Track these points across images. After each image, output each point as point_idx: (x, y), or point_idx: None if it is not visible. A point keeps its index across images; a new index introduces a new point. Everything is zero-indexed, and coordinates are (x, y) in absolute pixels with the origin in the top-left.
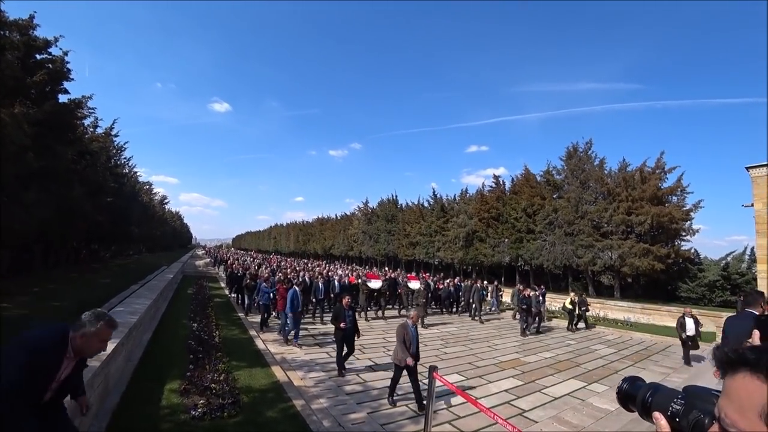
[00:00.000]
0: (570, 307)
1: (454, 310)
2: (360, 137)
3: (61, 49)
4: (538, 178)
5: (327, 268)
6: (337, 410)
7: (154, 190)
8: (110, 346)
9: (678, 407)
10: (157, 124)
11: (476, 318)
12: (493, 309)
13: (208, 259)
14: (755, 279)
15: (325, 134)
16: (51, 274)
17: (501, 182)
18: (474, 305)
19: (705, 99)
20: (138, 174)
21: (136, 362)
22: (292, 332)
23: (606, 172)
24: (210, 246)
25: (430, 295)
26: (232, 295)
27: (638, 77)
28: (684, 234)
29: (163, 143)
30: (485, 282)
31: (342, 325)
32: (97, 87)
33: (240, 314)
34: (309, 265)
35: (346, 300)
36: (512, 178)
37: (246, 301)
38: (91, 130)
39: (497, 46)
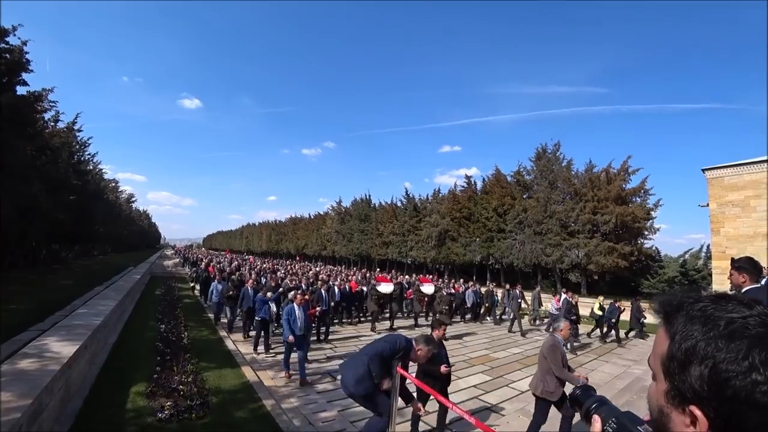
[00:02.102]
0: (599, 313)
1: (469, 317)
2: (334, 136)
3: (19, 38)
4: (509, 179)
5: (323, 271)
6: (308, 409)
7: (121, 188)
8: (71, 349)
9: (610, 430)
10: (123, 120)
11: (515, 330)
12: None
13: (177, 260)
14: (710, 275)
15: (298, 133)
16: (7, 275)
17: (473, 182)
18: (512, 314)
19: (668, 104)
20: (103, 171)
21: (101, 365)
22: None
23: (573, 172)
24: (180, 246)
25: (453, 301)
26: (207, 303)
27: (607, 82)
28: (646, 233)
29: (130, 140)
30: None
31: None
32: (58, 80)
33: (210, 315)
34: (296, 268)
35: (299, 298)
36: (483, 179)
37: (228, 315)
38: (52, 124)
39: (472, 47)
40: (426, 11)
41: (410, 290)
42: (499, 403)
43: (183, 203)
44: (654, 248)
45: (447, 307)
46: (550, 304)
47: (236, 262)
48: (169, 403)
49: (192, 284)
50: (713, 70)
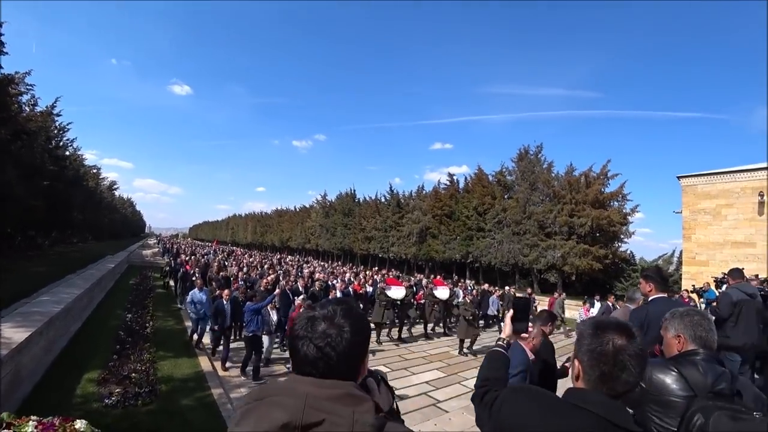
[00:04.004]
0: None
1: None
2: (325, 129)
3: None
4: (491, 178)
5: (318, 270)
6: None
7: (103, 175)
8: (23, 335)
9: None
10: (111, 104)
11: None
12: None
13: (157, 249)
14: (680, 279)
15: (289, 124)
16: None
17: (455, 180)
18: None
19: (656, 111)
20: (83, 157)
21: (58, 352)
22: None
23: (554, 175)
24: (165, 235)
25: (478, 309)
26: (181, 306)
27: (598, 86)
28: (622, 236)
29: (118, 125)
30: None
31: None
32: (42, 61)
33: (180, 306)
34: (285, 262)
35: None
36: (466, 177)
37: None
38: (28, 108)
39: (466, 47)
40: (422, 9)
41: (420, 293)
42: (446, 400)
43: (170, 191)
44: (629, 252)
45: (472, 317)
46: (577, 313)
47: (220, 256)
48: (118, 390)
49: (164, 280)
50: (702, 80)
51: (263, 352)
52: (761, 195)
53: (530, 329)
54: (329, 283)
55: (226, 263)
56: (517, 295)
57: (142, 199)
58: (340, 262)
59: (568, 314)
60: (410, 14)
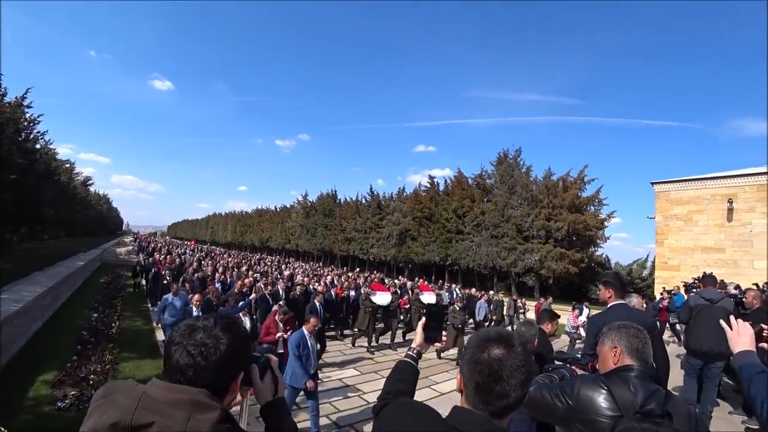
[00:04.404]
0: None
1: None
2: (309, 128)
3: None
4: (470, 181)
5: (298, 271)
6: None
7: (77, 170)
8: None
9: None
10: (89, 98)
11: None
12: None
13: (131, 247)
14: (654, 284)
15: (272, 122)
16: None
17: (435, 183)
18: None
19: (636, 119)
20: (55, 150)
21: (15, 352)
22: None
23: (532, 179)
24: (143, 233)
25: (468, 315)
26: (154, 309)
27: (579, 93)
28: (598, 241)
29: (96, 119)
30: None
31: None
32: (12, 50)
33: (151, 307)
34: (265, 263)
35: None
36: (446, 180)
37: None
38: None
39: (451, 49)
40: (411, 11)
41: (404, 298)
42: None
43: (149, 189)
44: (604, 256)
45: (461, 325)
46: (565, 318)
47: (198, 255)
48: (73, 392)
49: (135, 279)
50: (680, 91)
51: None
52: (730, 202)
53: (444, 337)
54: (310, 287)
55: (203, 263)
56: (466, 296)
57: (120, 195)
58: (321, 264)
59: None
60: (399, 16)
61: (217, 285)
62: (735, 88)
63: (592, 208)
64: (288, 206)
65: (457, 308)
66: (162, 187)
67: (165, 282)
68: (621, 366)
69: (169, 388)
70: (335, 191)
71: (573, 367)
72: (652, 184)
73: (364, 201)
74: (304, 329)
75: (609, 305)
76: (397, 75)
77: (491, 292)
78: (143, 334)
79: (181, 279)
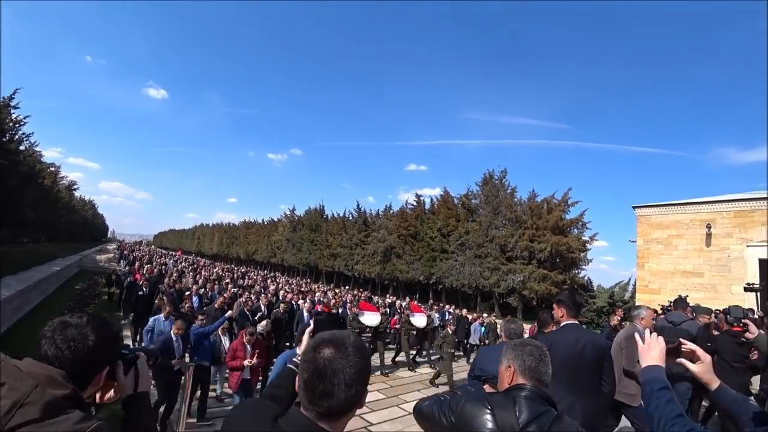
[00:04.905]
0: None
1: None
2: (301, 143)
3: None
4: (456, 201)
5: (283, 286)
6: None
7: (62, 174)
8: None
9: None
10: (82, 102)
11: None
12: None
13: (112, 254)
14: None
15: (265, 136)
16: None
17: (422, 201)
18: None
19: (624, 145)
20: (40, 153)
21: None
22: None
23: (516, 200)
24: (129, 241)
25: (457, 340)
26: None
27: (568, 118)
28: (581, 263)
29: (87, 124)
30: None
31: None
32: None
33: (123, 318)
34: (250, 276)
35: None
36: (432, 199)
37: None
38: None
39: (448, 73)
40: (403, 35)
41: (394, 318)
42: (379, 423)
43: (137, 196)
44: (586, 278)
45: (453, 350)
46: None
47: (182, 265)
48: None
49: (109, 289)
50: (668, 119)
51: (210, 389)
52: (708, 227)
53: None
54: (294, 303)
55: (185, 273)
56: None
57: (108, 202)
58: (308, 279)
59: None
60: (396, 37)
61: (195, 299)
62: (721, 119)
63: (575, 230)
64: (275, 220)
65: (450, 332)
66: (150, 196)
67: (141, 293)
68: (513, 385)
69: (35, 364)
70: (323, 206)
71: (485, 386)
72: (634, 208)
73: (350, 217)
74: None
75: (561, 324)
76: (392, 94)
77: (484, 315)
78: None
79: (158, 290)
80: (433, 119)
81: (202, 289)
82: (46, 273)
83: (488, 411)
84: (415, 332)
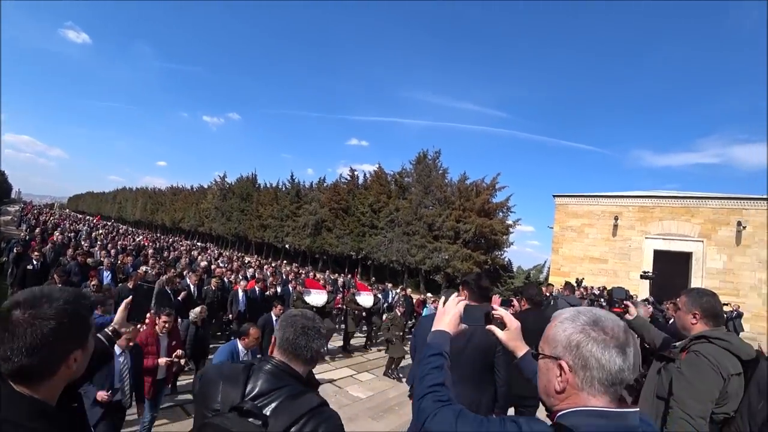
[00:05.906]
0: None
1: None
2: (240, 108)
3: None
4: (389, 177)
5: (216, 260)
6: None
7: None
8: None
9: None
10: None
11: None
12: None
13: (10, 218)
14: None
15: (202, 97)
16: None
17: (356, 175)
18: None
19: (554, 138)
20: None
21: None
22: None
23: (447, 181)
24: (38, 204)
25: (407, 322)
26: None
27: (508, 107)
28: (503, 245)
29: None
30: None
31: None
32: None
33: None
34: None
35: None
36: (365, 174)
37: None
38: None
39: (395, 50)
40: (357, 8)
41: (338, 297)
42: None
43: (50, 153)
44: (507, 260)
45: (401, 333)
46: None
47: (101, 232)
48: None
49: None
50: (596, 120)
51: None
52: (616, 219)
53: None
54: (225, 280)
55: (96, 244)
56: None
57: (13, 157)
58: (240, 252)
59: None
60: (350, 10)
61: (106, 274)
62: (643, 124)
63: (500, 213)
64: (205, 186)
65: (399, 314)
66: (66, 153)
67: (30, 267)
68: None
69: None
70: (255, 175)
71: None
72: (554, 196)
73: (283, 188)
74: (239, 344)
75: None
76: (337, 67)
77: (428, 294)
78: None
79: (58, 264)
80: (380, 95)
81: (115, 260)
82: None
83: (225, 383)
84: (362, 312)
